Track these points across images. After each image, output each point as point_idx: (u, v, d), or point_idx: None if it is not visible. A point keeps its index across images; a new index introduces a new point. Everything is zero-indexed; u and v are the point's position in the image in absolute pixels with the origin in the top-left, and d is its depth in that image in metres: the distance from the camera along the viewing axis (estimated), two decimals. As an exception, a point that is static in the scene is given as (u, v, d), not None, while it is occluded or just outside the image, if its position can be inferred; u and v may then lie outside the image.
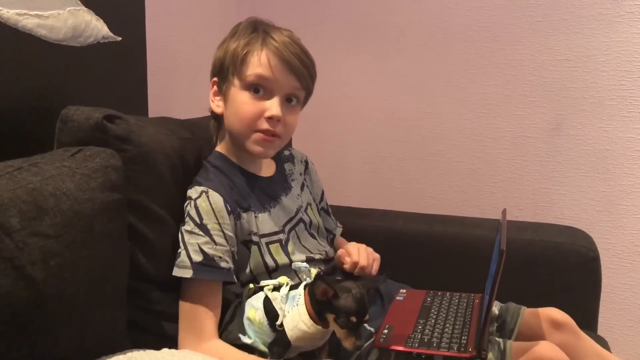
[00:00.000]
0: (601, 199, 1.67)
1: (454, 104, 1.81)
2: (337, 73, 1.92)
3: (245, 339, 0.99)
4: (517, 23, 1.69)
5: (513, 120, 1.74)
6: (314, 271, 1.07)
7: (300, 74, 1.09)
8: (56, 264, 0.76)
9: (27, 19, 1.04)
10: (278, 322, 0.95)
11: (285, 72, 1.07)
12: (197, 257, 1.01)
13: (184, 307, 1.02)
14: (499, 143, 1.77)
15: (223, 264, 1.02)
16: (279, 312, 0.96)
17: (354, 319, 0.89)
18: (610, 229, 1.67)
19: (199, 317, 1.00)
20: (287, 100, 1.10)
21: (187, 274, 1.00)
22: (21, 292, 0.71)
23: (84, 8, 1.15)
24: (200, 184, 1.08)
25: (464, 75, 1.78)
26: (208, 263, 1.01)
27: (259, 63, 1.06)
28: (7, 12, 1.00)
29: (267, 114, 1.06)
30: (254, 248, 1.09)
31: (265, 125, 1.07)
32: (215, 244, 1.02)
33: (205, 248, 1.01)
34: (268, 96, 1.08)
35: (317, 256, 1.18)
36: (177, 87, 1.61)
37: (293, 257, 1.13)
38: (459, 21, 1.76)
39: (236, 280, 1.05)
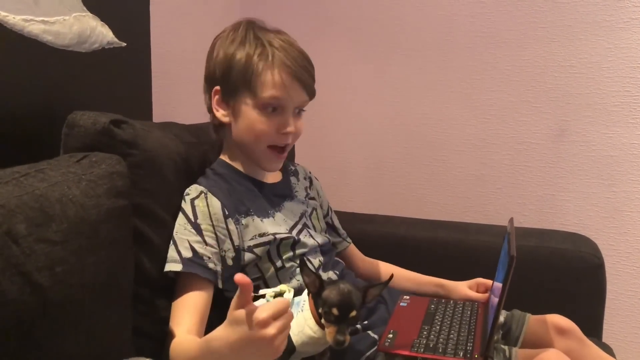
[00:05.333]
0: (606, 205, 1.67)
1: (458, 110, 1.81)
2: (341, 79, 1.93)
3: None
4: (521, 29, 1.70)
5: (517, 126, 1.74)
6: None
7: (308, 87, 1.11)
8: (62, 271, 0.75)
9: (33, 25, 1.05)
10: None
11: (298, 88, 1.09)
12: (187, 253, 1.01)
13: (173, 302, 1.01)
14: (502, 149, 1.77)
15: (211, 265, 1.02)
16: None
17: (335, 311, 0.88)
18: (615, 235, 1.66)
19: (181, 310, 0.99)
20: (297, 112, 1.13)
21: (177, 267, 1.00)
22: (27, 298, 0.71)
23: (89, 14, 1.16)
24: (200, 184, 1.10)
25: (467, 81, 1.78)
26: (197, 261, 1.01)
27: (273, 84, 1.07)
28: (14, 18, 1.01)
29: (283, 130, 1.09)
30: (262, 249, 1.08)
31: (278, 140, 1.10)
32: (206, 244, 1.03)
33: (196, 246, 1.02)
34: (280, 111, 1.09)
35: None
36: (181, 92, 1.62)
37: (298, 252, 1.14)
38: (462, 27, 1.76)
39: (221, 285, 1.04)
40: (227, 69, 1.09)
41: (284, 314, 0.76)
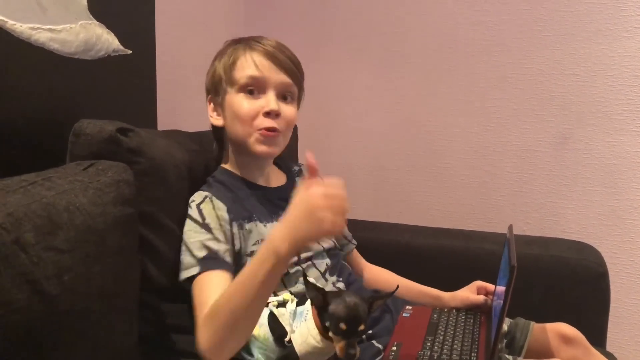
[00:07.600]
0: (609, 213, 1.67)
1: (461, 117, 1.81)
2: (344, 86, 1.93)
3: (247, 356, 0.98)
4: (525, 37, 1.70)
5: (520, 134, 1.74)
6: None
7: (288, 68, 1.13)
8: (69, 279, 0.76)
9: (40, 33, 1.05)
10: (287, 339, 0.94)
11: (274, 68, 1.11)
12: (202, 253, 1.00)
13: (194, 303, 0.96)
14: (505, 157, 1.77)
15: (227, 259, 1.02)
16: (287, 328, 0.95)
17: (343, 325, 0.87)
18: (619, 243, 1.66)
19: (209, 299, 0.92)
20: (282, 98, 1.14)
21: (194, 270, 0.98)
22: (36, 306, 0.71)
23: (95, 22, 1.16)
24: (204, 190, 1.10)
25: (470, 89, 1.78)
26: (212, 256, 1.00)
27: (247, 65, 1.11)
28: (21, 26, 1.01)
29: (265, 109, 1.10)
30: None
31: (265, 122, 1.10)
32: (218, 240, 1.03)
33: (209, 243, 1.01)
34: (261, 93, 1.11)
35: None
36: (186, 100, 1.62)
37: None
38: (466, 35, 1.77)
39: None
40: (213, 78, 1.15)
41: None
